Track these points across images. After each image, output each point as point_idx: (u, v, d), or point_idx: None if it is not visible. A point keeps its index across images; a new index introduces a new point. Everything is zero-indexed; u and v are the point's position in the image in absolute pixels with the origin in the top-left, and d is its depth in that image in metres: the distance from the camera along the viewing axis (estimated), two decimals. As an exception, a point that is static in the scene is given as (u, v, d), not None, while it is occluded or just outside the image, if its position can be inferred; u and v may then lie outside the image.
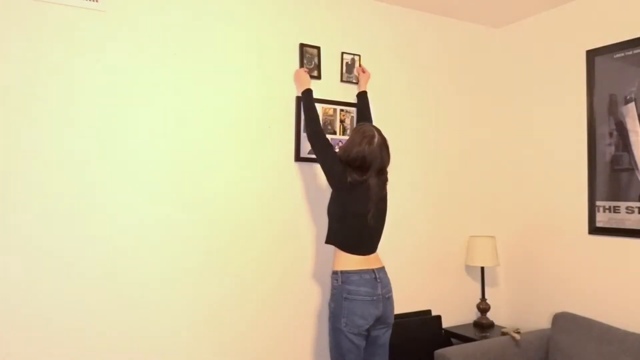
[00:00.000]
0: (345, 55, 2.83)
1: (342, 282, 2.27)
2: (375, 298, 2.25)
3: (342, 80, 2.82)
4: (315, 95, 2.72)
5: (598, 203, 2.77)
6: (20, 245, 2.07)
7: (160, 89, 2.36)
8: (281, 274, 2.63)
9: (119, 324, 2.25)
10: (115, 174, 2.25)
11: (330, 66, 2.80)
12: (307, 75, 2.64)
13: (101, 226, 2.22)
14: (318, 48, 2.73)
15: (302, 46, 2.69)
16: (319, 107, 2.71)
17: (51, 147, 2.13)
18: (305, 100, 2.55)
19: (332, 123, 2.77)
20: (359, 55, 2.87)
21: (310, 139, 2.49)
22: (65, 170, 2.16)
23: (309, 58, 2.70)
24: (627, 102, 2.65)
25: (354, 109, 2.84)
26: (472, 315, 3.27)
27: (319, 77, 2.73)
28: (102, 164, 2.23)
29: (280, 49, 2.67)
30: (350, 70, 2.84)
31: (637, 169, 2.61)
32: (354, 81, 2.85)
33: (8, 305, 2.04)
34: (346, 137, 2.72)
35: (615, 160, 2.70)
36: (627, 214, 2.64)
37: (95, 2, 2.21)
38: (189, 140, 2.43)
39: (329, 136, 2.74)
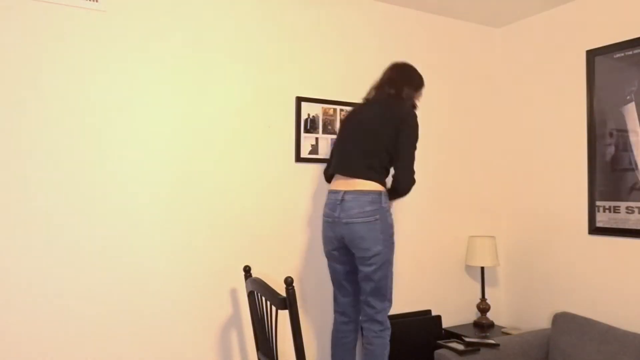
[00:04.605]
0: None
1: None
2: (331, 220, 2.28)
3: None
4: (315, 95, 2.73)
5: (598, 203, 2.77)
6: (19, 247, 2.07)
7: (160, 88, 2.36)
8: (282, 273, 2.63)
9: (118, 326, 2.25)
10: (115, 174, 2.26)
11: (330, 70, 2.80)
12: None
13: (100, 228, 2.22)
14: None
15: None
16: (319, 106, 2.72)
17: (51, 146, 2.13)
18: None
19: (332, 123, 2.77)
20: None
21: None
22: (64, 170, 2.16)
23: None
24: (627, 102, 2.65)
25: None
26: (472, 315, 3.28)
27: None
28: (102, 164, 2.23)
29: (282, 48, 2.67)
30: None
31: (637, 169, 2.61)
32: None
33: (8, 306, 2.05)
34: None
35: (615, 160, 2.70)
36: (627, 214, 2.64)
37: (95, 2, 2.21)
38: (188, 140, 2.43)
39: (328, 136, 2.75)
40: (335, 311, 2.46)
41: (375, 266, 2.19)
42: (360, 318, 2.36)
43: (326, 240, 2.35)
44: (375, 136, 2.24)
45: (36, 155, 2.10)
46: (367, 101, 2.41)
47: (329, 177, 2.48)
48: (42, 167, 2.11)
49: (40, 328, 2.10)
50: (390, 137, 2.23)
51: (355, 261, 2.28)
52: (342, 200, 2.22)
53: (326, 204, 2.34)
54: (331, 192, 2.32)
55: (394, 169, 2.26)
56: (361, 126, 2.30)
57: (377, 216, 2.18)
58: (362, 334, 2.38)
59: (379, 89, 2.40)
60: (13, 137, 2.06)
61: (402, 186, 2.23)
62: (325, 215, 2.32)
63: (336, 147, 2.40)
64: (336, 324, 2.45)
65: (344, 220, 2.21)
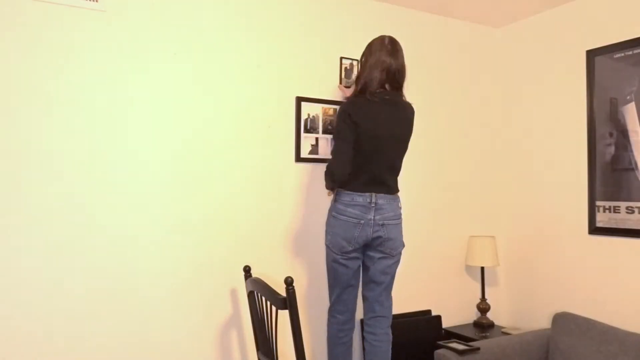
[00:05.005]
0: (344, 60, 2.83)
1: (335, 200, 2.39)
2: (364, 222, 2.28)
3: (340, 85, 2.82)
4: (315, 96, 2.73)
5: (598, 203, 2.77)
6: (19, 247, 2.07)
7: (160, 88, 2.36)
8: (282, 273, 2.63)
9: (118, 326, 2.25)
10: (115, 175, 2.25)
11: (329, 70, 2.80)
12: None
13: (100, 227, 2.22)
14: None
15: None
16: (319, 107, 2.72)
17: (51, 147, 2.13)
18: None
19: (332, 123, 2.77)
20: (357, 61, 2.85)
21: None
22: (64, 171, 2.15)
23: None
24: (627, 102, 2.65)
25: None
26: (472, 315, 3.28)
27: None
28: (102, 165, 2.23)
29: (282, 48, 2.67)
30: (349, 75, 2.83)
31: (637, 169, 2.61)
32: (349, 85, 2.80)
33: (6, 310, 2.05)
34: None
35: (615, 160, 2.70)
36: (627, 214, 2.64)
37: (95, 2, 2.21)
38: (189, 140, 2.43)
39: (328, 136, 2.75)
40: (335, 311, 2.47)
41: (395, 260, 2.38)
42: (366, 316, 2.43)
43: (348, 241, 2.30)
44: (402, 149, 2.40)
45: (32, 156, 2.10)
46: (382, 100, 2.29)
47: (343, 179, 2.29)
48: (40, 169, 2.11)
49: (39, 327, 2.10)
50: (407, 144, 2.44)
51: (373, 257, 2.36)
52: (376, 203, 2.29)
53: (350, 205, 2.29)
54: (356, 194, 2.29)
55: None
56: (392, 139, 2.32)
57: (401, 218, 2.40)
58: (365, 331, 2.42)
59: (387, 81, 2.32)
60: (9, 138, 2.06)
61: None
62: (352, 217, 2.28)
63: (364, 157, 2.28)
64: (337, 324, 2.47)
65: (381, 222, 2.29)
